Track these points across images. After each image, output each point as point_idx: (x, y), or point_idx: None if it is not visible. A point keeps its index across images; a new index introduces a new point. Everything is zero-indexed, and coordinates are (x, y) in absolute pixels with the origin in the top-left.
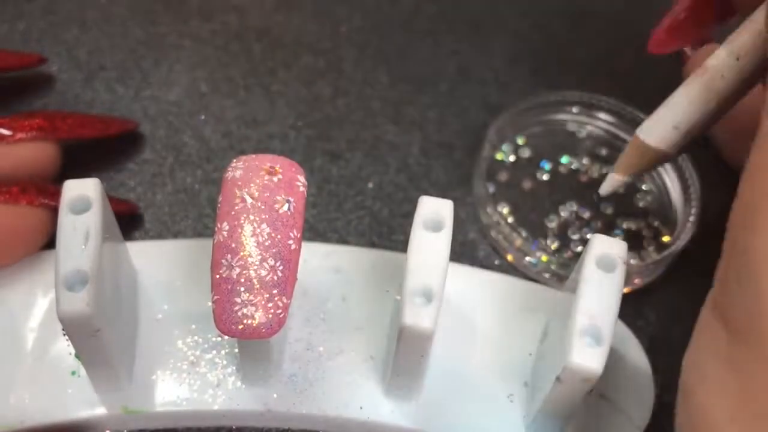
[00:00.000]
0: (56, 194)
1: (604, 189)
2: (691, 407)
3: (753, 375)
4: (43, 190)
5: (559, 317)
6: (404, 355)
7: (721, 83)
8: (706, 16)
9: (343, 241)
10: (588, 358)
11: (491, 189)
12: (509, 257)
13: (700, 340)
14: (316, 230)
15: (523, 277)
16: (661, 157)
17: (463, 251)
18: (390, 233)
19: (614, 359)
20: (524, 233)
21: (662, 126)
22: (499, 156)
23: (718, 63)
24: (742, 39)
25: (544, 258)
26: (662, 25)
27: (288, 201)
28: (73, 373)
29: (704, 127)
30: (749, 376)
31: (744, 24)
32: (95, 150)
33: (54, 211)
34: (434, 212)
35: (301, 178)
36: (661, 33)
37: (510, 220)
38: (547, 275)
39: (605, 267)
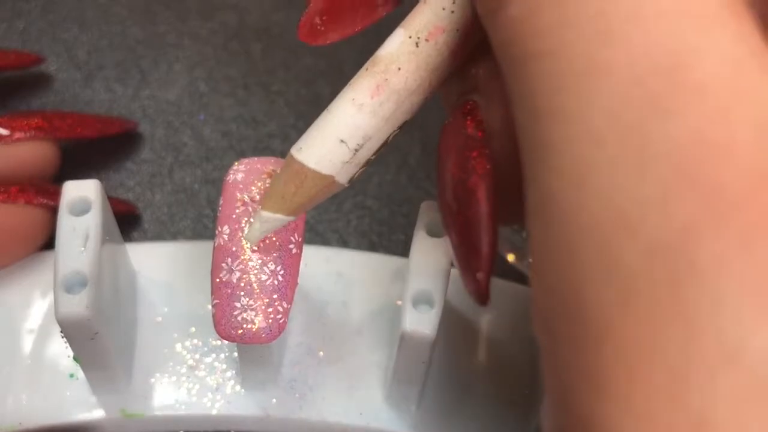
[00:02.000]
0: (55, 194)
1: (253, 235)
2: None
3: None
4: (41, 190)
5: None
6: (405, 362)
7: (399, 78)
8: None
9: (343, 241)
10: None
11: None
12: (509, 257)
13: None
14: (316, 230)
15: (523, 278)
16: (328, 186)
17: None
18: (390, 233)
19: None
20: (524, 233)
21: (323, 140)
22: None
23: (393, 51)
24: (425, 17)
25: None
26: (312, 7)
27: None
28: (72, 375)
29: (383, 141)
30: None
31: (424, 0)
32: (94, 150)
33: (53, 211)
34: (436, 217)
35: None
36: (311, 17)
37: None
38: None
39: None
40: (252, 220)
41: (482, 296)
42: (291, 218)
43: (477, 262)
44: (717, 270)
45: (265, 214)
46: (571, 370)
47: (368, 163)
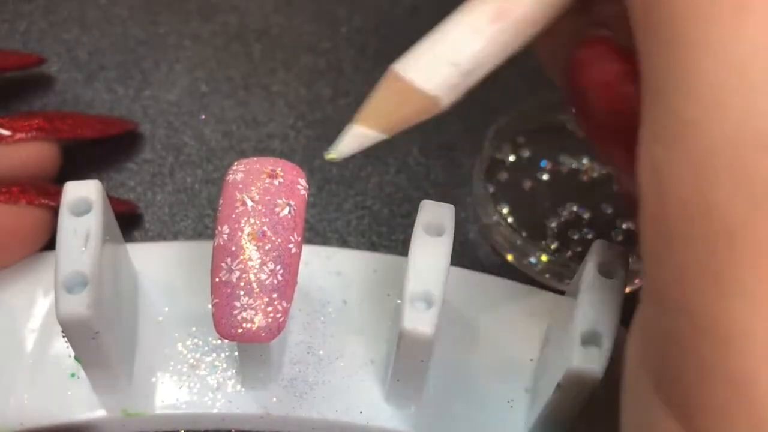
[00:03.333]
0: (56, 194)
1: (343, 148)
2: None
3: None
4: (43, 190)
5: (561, 323)
6: (404, 360)
7: (520, 6)
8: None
9: (342, 240)
10: (589, 363)
11: (491, 189)
12: (509, 257)
13: None
14: (315, 230)
15: (523, 277)
16: (428, 107)
17: (462, 251)
18: (390, 233)
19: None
20: (524, 233)
21: (434, 61)
22: (498, 156)
23: None
24: None
25: (544, 258)
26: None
27: (289, 204)
28: (73, 375)
29: (495, 67)
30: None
31: None
32: (95, 150)
33: (54, 211)
34: (435, 217)
35: (303, 182)
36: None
37: (510, 220)
38: (547, 275)
39: (606, 273)
40: (342, 135)
41: None
42: (384, 136)
43: None
44: None
45: (359, 128)
46: (691, 269)
47: (472, 89)
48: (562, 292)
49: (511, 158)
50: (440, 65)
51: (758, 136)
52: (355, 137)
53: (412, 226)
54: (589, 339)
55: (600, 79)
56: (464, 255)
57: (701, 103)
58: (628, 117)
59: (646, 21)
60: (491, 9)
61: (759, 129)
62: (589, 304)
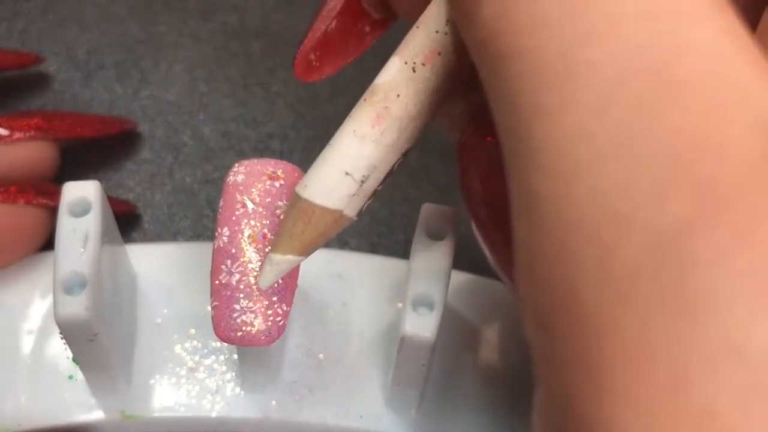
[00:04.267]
0: (55, 194)
1: (266, 279)
2: None
3: None
4: (41, 190)
5: None
6: (405, 365)
7: (399, 105)
8: (359, 24)
9: (342, 241)
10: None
11: None
12: None
13: None
14: None
15: None
16: (336, 221)
17: (462, 252)
18: (390, 233)
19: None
20: None
21: (328, 174)
22: None
23: (390, 78)
24: (419, 42)
25: None
26: (306, 45)
27: None
28: (71, 376)
29: (388, 170)
30: None
31: (416, 25)
32: (94, 150)
33: (53, 211)
34: (437, 220)
35: None
36: (305, 54)
37: None
38: None
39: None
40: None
41: None
42: (302, 258)
43: None
44: (714, 264)
45: (276, 256)
46: (570, 367)
47: (375, 194)
48: None
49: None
50: (334, 178)
51: (615, 212)
52: (274, 265)
53: (412, 226)
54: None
55: (476, 163)
56: (464, 255)
57: (553, 177)
58: (501, 208)
59: (493, 90)
60: (372, 112)
61: (614, 204)
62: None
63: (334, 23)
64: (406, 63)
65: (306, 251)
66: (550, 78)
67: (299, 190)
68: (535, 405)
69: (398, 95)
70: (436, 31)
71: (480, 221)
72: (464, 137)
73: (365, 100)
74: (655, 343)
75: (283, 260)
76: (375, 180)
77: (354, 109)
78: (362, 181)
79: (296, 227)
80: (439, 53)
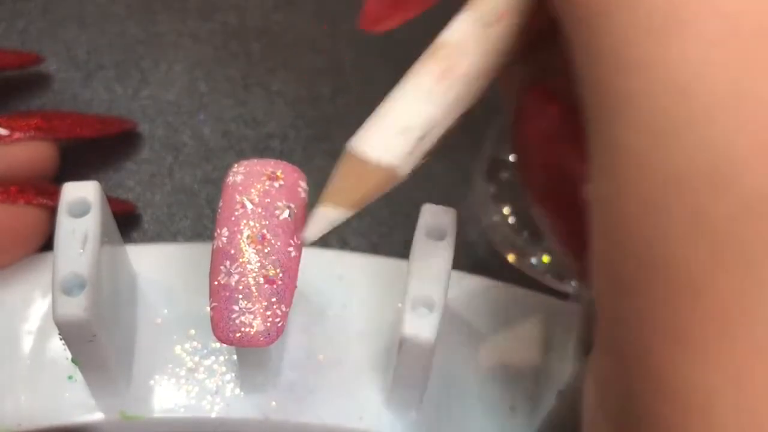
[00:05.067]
0: (55, 194)
1: (312, 231)
2: None
3: None
4: (41, 190)
5: (564, 328)
6: (405, 366)
7: (465, 62)
8: None
9: (343, 241)
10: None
11: (492, 189)
12: (510, 258)
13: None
14: None
15: (524, 278)
16: (389, 177)
17: (463, 251)
18: (390, 233)
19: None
20: (525, 233)
21: (384, 130)
22: (499, 156)
23: (458, 35)
24: (490, 2)
25: (544, 258)
26: None
27: (289, 207)
28: (71, 377)
29: (450, 129)
30: None
31: None
32: (93, 150)
33: (52, 211)
34: (437, 221)
35: (303, 184)
36: (373, 3)
37: (511, 220)
38: (548, 276)
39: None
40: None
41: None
42: (350, 213)
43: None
44: None
45: (323, 210)
46: (649, 327)
47: (431, 153)
48: (563, 293)
49: (512, 158)
50: (392, 135)
51: (714, 171)
52: (321, 219)
53: (412, 226)
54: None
55: (536, 130)
56: (465, 255)
57: (646, 133)
58: (560, 178)
59: (583, 46)
60: (436, 68)
61: (715, 165)
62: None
63: None
64: (476, 20)
65: (355, 206)
66: (653, 30)
67: (353, 143)
68: (594, 373)
69: (466, 52)
70: None
71: (535, 188)
72: (523, 102)
73: (430, 54)
74: (752, 305)
75: (331, 214)
76: (432, 138)
77: (416, 65)
78: (420, 139)
79: (347, 182)
80: (510, 13)
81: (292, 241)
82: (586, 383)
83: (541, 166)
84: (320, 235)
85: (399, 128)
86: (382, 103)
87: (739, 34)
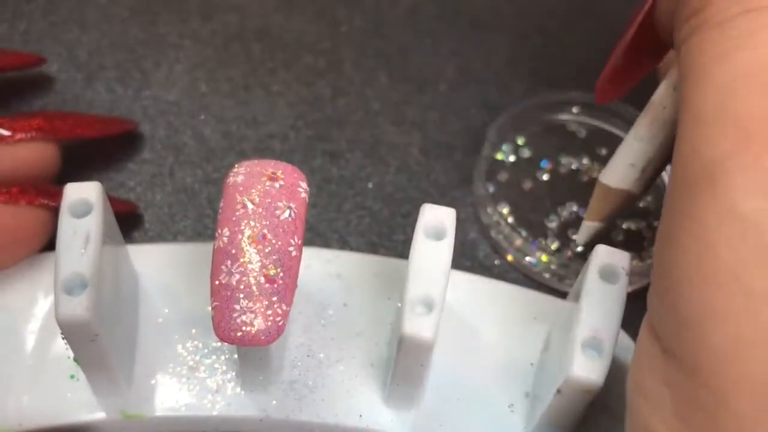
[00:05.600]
0: (56, 195)
1: (581, 238)
2: (637, 426)
3: (685, 393)
4: (43, 191)
5: (561, 327)
6: (404, 364)
7: (665, 114)
8: (644, 60)
9: (343, 241)
10: (589, 370)
11: (491, 189)
12: (509, 257)
13: (639, 358)
14: (315, 230)
15: (522, 277)
16: (625, 197)
17: (463, 251)
18: (390, 233)
19: (617, 369)
20: (524, 233)
21: (618, 166)
22: (499, 156)
23: (659, 96)
24: (677, 71)
25: (544, 258)
26: (603, 76)
27: (289, 207)
28: (72, 376)
29: (662, 160)
30: (683, 395)
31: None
32: (95, 150)
33: (54, 212)
34: (436, 220)
35: (303, 184)
36: (602, 84)
37: (510, 220)
38: (547, 275)
39: (608, 278)
40: None
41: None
42: (603, 225)
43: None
44: None
45: (586, 223)
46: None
47: (655, 177)
48: (562, 292)
49: (511, 158)
50: (622, 167)
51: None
52: (587, 228)
53: (412, 226)
54: (590, 345)
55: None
56: (464, 255)
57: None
58: None
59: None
60: (647, 120)
61: None
62: (590, 310)
63: (621, 62)
64: (670, 85)
65: (605, 219)
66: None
67: (600, 176)
68: (654, 292)
69: (664, 107)
70: None
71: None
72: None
73: (644, 112)
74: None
75: (590, 225)
76: (653, 168)
77: (637, 119)
78: (643, 169)
79: (599, 203)
80: None
81: (292, 241)
82: (641, 330)
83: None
84: (588, 240)
85: (627, 164)
86: (619, 147)
87: None
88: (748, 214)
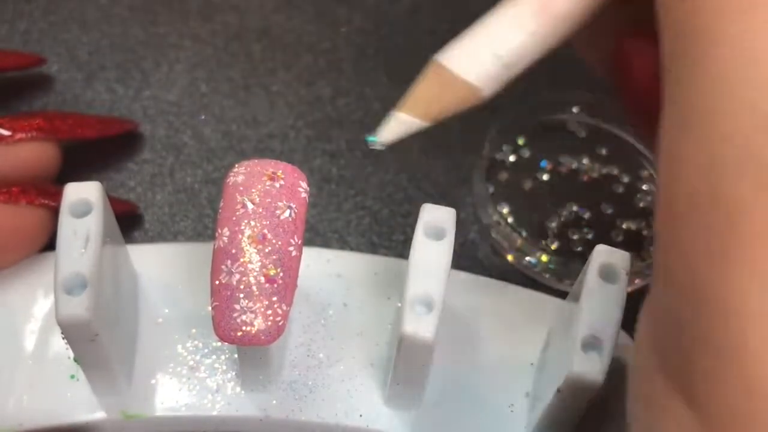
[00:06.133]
0: (56, 194)
1: (385, 134)
2: None
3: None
4: (43, 191)
5: (561, 327)
6: (404, 364)
7: (563, 2)
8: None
9: (342, 241)
10: (589, 368)
11: (491, 189)
12: (509, 257)
13: (650, 417)
14: (315, 230)
15: (522, 277)
16: (469, 96)
17: (462, 251)
18: (390, 233)
19: (616, 368)
20: (524, 233)
21: (477, 52)
22: (499, 156)
23: None
24: None
25: (544, 258)
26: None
27: (289, 207)
28: (72, 376)
29: (535, 60)
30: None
31: None
32: (95, 150)
33: (54, 212)
34: (436, 220)
35: (303, 184)
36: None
37: (510, 220)
38: (547, 275)
39: (608, 278)
40: (386, 121)
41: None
42: (426, 124)
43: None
44: None
45: (402, 115)
46: (699, 252)
47: (510, 80)
48: (562, 292)
49: (511, 158)
50: (482, 56)
51: (762, 115)
52: (398, 124)
53: (412, 226)
54: (590, 344)
55: (643, 68)
56: (464, 255)
57: (716, 94)
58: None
59: (667, 13)
60: (535, 3)
61: (763, 109)
62: (590, 310)
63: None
64: None
65: (432, 118)
66: (737, 6)
67: (443, 59)
68: (649, 306)
69: None
70: None
71: (640, 116)
72: (626, 45)
73: None
74: None
75: (408, 121)
76: (518, 67)
77: None
78: (506, 66)
79: (430, 93)
80: None
81: (292, 241)
82: (639, 323)
83: (645, 96)
84: (394, 139)
85: (490, 52)
86: (476, 26)
87: None
88: None
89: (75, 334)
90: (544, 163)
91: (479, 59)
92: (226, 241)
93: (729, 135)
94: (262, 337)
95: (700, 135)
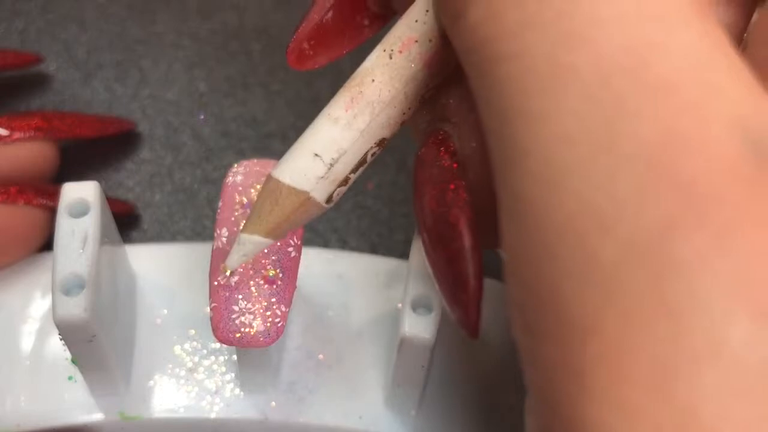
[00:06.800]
0: (54, 194)
1: (231, 261)
2: None
3: None
4: (41, 191)
5: None
6: (404, 365)
7: (373, 89)
8: (358, 17)
9: (342, 241)
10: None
11: None
12: None
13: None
14: (315, 230)
15: None
16: (303, 202)
17: None
18: (390, 233)
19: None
20: None
21: (299, 156)
22: None
23: (368, 65)
24: (399, 30)
25: None
26: (300, 33)
27: None
28: (70, 377)
29: (364, 155)
30: None
31: (401, 19)
32: (93, 150)
33: (52, 212)
34: None
35: None
36: (299, 42)
37: None
38: None
39: None
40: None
41: (473, 329)
42: (269, 241)
43: (464, 295)
44: (695, 265)
45: (243, 236)
46: (554, 369)
47: (347, 181)
48: None
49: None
50: (303, 159)
51: (598, 214)
52: (240, 246)
53: (412, 226)
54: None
55: (426, 182)
56: None
57: (538, 180)
58: (446, 227)
59: (480, 94)
60: (347, 96)
61: (598, 206)
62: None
63: (330, 13)
64: (384, 50)
65: (273, 233)
66: (535, 82)
67: (271, 169)
68: (527, 407)
69: (372, 80)
70: (416, 21)
71: (425, 236)
72: (421, 150)
73: (344, 85)
74: (637, 343)
75: (249, 240)
76: (345, 165)
77: (335, 95)
78: (331, 165)
79: (264, 207)
80: (416, 41)
81: (291, 242)
82: (526, 420)
83: (430, 212)
84: (239, 263)
85: (310, 154)
86: (304, 132)
87: (615, 79)
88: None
89: (73, 334)
90: None
91: (301, 163)
92: (225, 241)
93: (561, 231)
94: (261, 339)
95: (533, 230)
